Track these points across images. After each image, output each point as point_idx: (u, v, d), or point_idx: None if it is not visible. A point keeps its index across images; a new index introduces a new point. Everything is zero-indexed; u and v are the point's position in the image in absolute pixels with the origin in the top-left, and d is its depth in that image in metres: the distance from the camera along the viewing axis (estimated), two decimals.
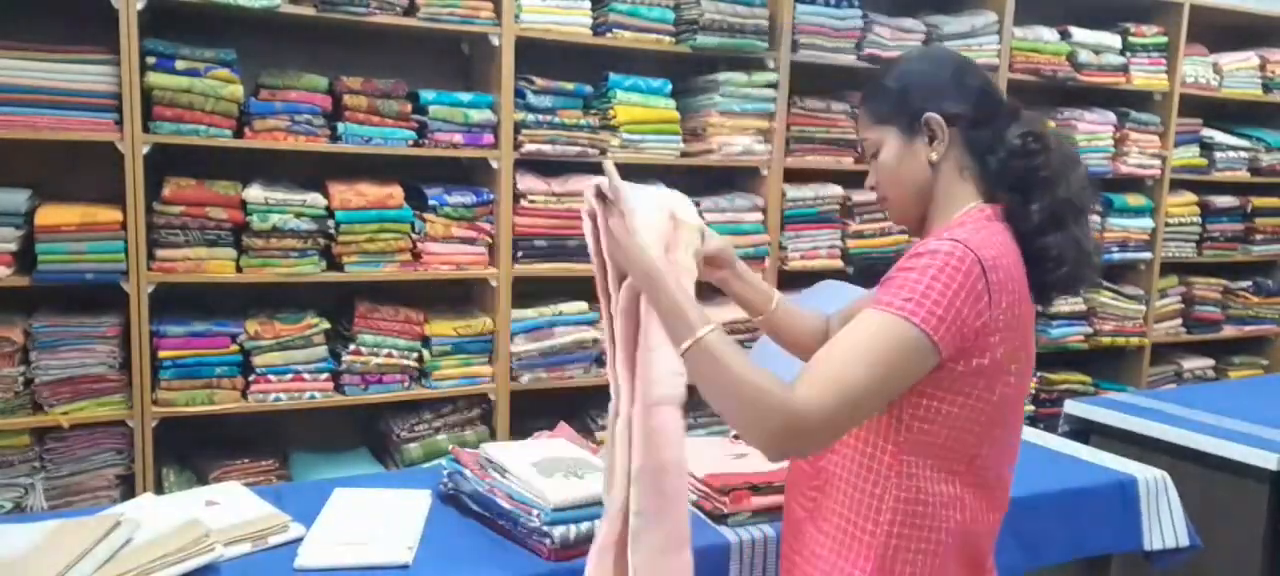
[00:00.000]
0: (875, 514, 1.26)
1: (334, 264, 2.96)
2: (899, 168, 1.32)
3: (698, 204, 3.43)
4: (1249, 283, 4.65)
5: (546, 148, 3.13)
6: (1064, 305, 4.12)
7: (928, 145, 1.30)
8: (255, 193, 2.81)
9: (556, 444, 2.00)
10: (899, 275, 1.18)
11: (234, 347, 2.84)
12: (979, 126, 1.28)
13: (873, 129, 1.36)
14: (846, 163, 3.60)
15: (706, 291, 1.47)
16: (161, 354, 2.75)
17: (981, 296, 1.16)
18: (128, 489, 2.76)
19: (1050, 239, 1.22)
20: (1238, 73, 4.42)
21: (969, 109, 1.28)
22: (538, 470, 1.78)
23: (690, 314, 1.19)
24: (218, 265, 2.80)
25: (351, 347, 2.97)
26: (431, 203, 3.05)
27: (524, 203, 3.14)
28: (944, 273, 1.15)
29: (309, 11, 2.81)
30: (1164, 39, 4.16)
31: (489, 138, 3.09)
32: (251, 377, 2.86)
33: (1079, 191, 1.24)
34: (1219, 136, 4.43)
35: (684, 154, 3.37)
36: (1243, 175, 4.50)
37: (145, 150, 2.65)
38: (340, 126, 2.92)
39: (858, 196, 3.65)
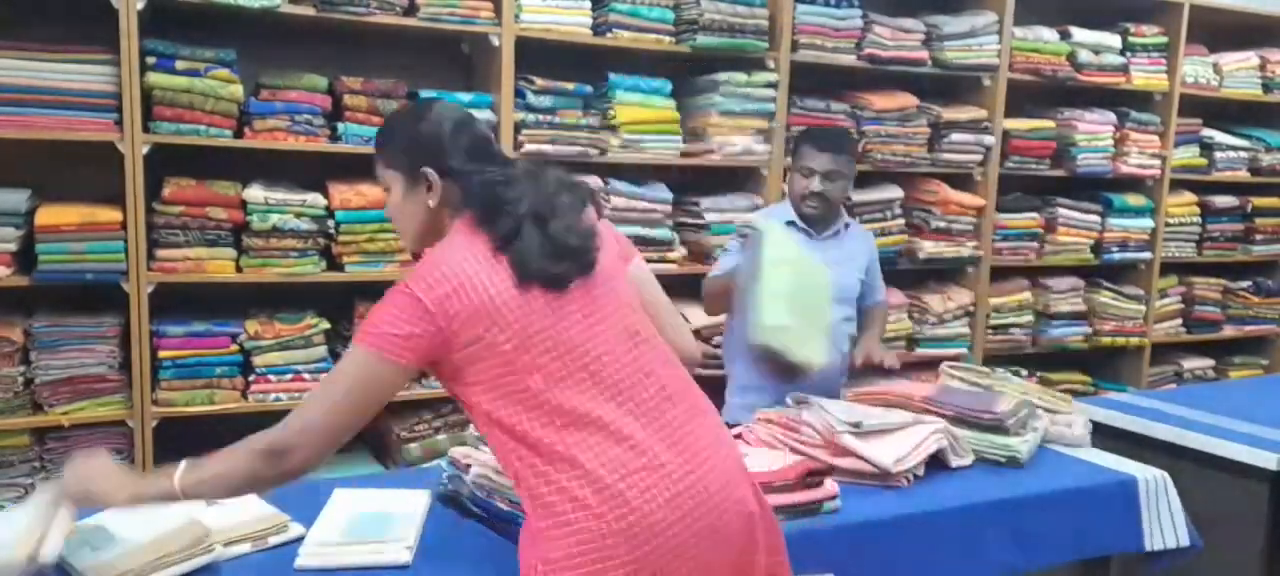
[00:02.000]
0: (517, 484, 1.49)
1: (334, 264, 2.96)
2: (405, 206, 1.61)
3: (697, 203, 3.44)
4: (1249, 283, 4.65)
5: (546, 148, 3.13)
6: (1064, 305, 4.13)
7: (427, 192, 1.57)
8: (255, 193, 2.81)
9: None
10: (375, 308, 1.48)
11: (234, 348, 2.84)
12: (466, 175, 1.54)
13: (384, 172, 1.63)
14: None
15: None
16: (161, 354, 2.75)
17: (422, 314, 1.43)
18: None
19: (516, 244, 1.48)
20: (1238, 73, 4.42)
21: (459, 163, 1.55)
22: None
23: (153, 485, 1.50)
24: (218, 265, 2.80)
25: None
26: None
27: None
28: (393, 303, 1.46)
29: (309, 11, 2.81)
30: (1164, 39, 4.16)
31: None
32: (251, 377, 2.86)
33: (544, 201, 1.51)
34: (1219, 136, 4.42)
35: (684, 154, 3.37)
36: (1243, 175, 4.50)
37: (145, 150, 2.65)
38: (340, 126, 2.92)
39: (858, 196, 3.65)
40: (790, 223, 2.71)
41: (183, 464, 1.48)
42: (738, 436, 2.12)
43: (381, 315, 1.46)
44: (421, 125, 1.59)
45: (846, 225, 2.83)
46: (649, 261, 2.65)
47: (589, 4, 3.18)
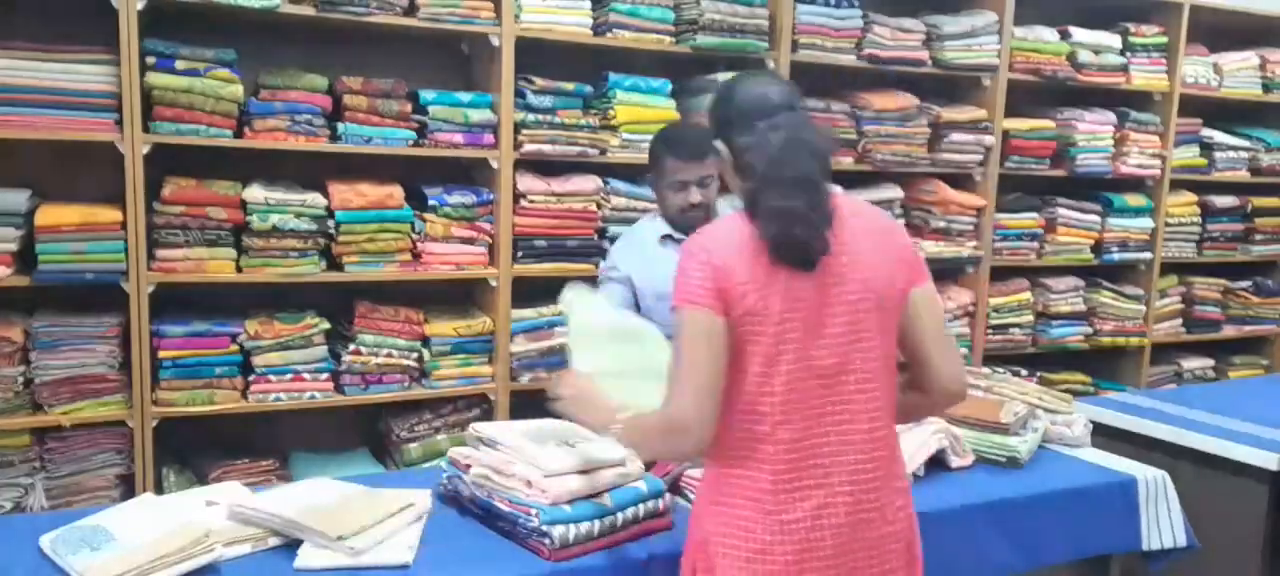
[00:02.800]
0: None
1: (334, 264, 2.96)
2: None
3: None
4: (1249, 282, 4.65)
5: (546, 148, 3.14)
6: (1064, 305, 4.13)
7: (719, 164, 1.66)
8: (255, 193, 2.81)
9: (546, 421, 2.00)
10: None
11: (234, 347, 2.84)
12: (737, 141, 1.59)
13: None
14: (846, 162, 3.60)
15: None
16: (161, 354, 2.75)
17: (706, 266, 1.49)
18: (128, 489, 2.76)
19: (755, 219, 1.52)
20: (1238, 73, 4.42)
21: (731, 131, 1.60)
22: (530, 439, 1.80)
23: (603, 418, 1.62)
24: (218, 265, 2.80)
25: (351, 347, 2.97)
26: (431, 203, 3.05)
27: (524, 202, 3.14)
28: (683, 264, 1.53)
29: (309, 11, 2.81)
30: (1164, 39, 4.16)
31: (489, 138, 3.09)
32: (251, 377, 2.86)
33: (783, 173, 1.50)
34: (1219, 136, 4.42)
35: None
36: (1243, 175, 4.50)
37: (145, 150, 2.65)
38: (340, 126, 2.92)
39: (857, 195, 3.65)
40: (666, 236, 2.59)
41: (621, 422, 1.58)
42: None
43: (681, 277, 1.53)
44: (714, 103, 1.68)
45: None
46: None
47: (589, 4, 3.18)
